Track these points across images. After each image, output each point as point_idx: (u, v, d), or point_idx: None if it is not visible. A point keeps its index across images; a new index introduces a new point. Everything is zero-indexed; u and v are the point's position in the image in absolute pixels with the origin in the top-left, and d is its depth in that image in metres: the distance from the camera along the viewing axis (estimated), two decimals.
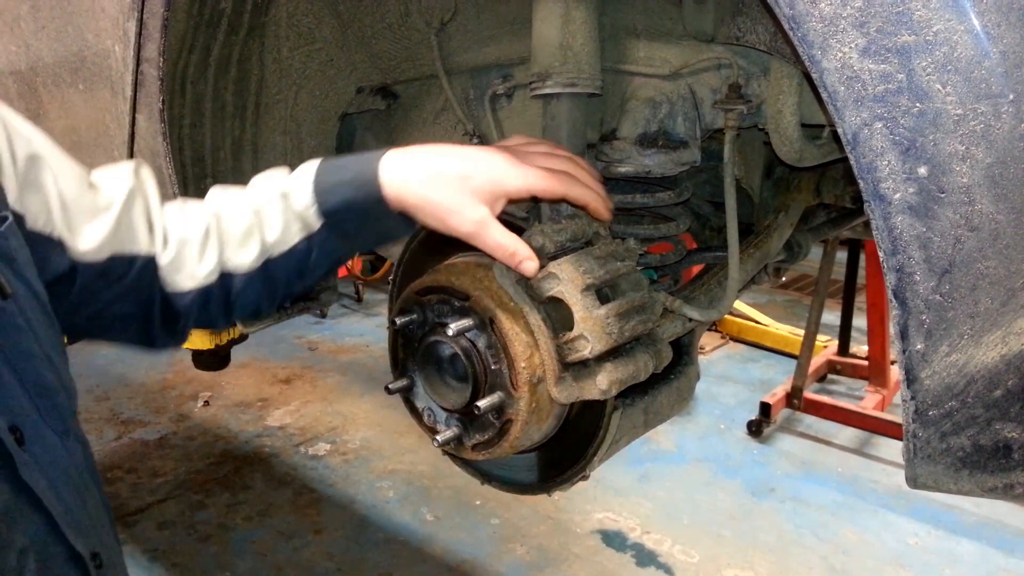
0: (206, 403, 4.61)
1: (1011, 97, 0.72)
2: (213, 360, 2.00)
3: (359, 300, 6.45)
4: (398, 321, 1.18)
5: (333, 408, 4.60)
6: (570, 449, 1.24)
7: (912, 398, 0.82)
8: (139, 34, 1.29)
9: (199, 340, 1.89)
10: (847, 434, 4.30)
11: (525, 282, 1.11)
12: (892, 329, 0.82)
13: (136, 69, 1.32)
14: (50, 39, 1.55)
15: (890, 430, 4.02)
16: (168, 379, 4.93)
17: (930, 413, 0.82)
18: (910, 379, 0.81)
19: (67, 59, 1.52)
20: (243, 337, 1.99)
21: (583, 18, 1.21)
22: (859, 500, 3.74)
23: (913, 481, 0.89)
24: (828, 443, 4.27)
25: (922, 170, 0.76)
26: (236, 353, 5.07)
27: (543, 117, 1.26)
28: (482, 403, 1.09)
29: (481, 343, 1.11)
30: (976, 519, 3.58)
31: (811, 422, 4.41)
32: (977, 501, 3.71)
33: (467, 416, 1.16)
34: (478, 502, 3.67)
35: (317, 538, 3.40)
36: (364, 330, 5.91)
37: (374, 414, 4.52)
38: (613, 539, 3.43)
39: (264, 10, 1.42)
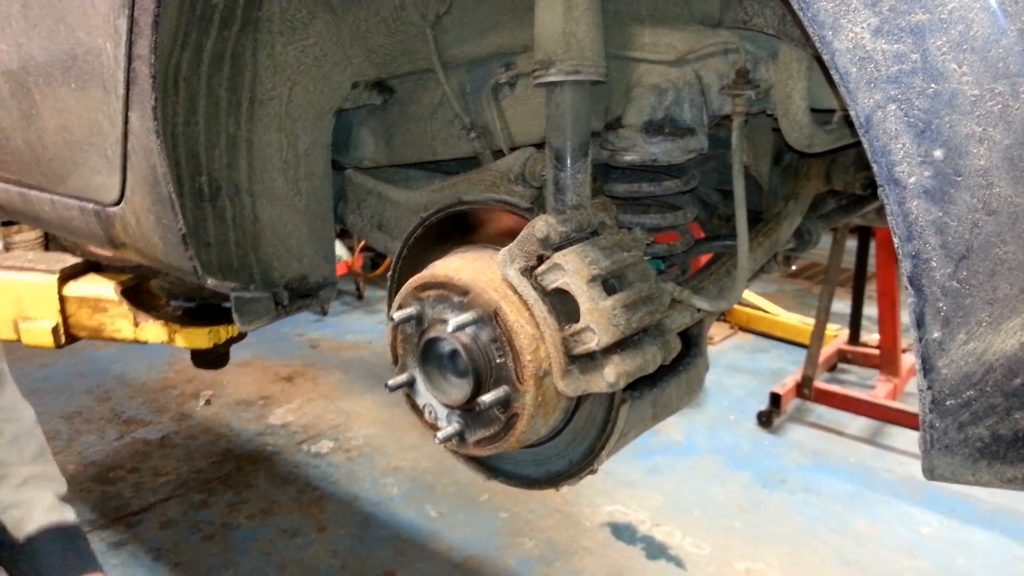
0: (208, 402, 4.59)
1: None
2: (212, 359, 2.00)
3: (360, 297, 6.43)
4: (396, 317, 1.16)
5: (335, 406, 4.59)
6: (579, 444, 1.23)
7: (929, 388, 0.81)
8: (130, 31, 1.26)
9: (198, 339, 1.87)
10: (859, 424, 4.27)
11: (530, 272, 1.09)
12: (908, 317, 0.82)
13: (128, 67, 1.30)
14: (41, 38, 1.54)
15: (902, 419, 4.00)
16: (169, 378, 4.92)
17: (947, 403, 0.81)
18: (927, 368, 0.80)
19: (59, 58, 1.50)
20: (242, 336, 1.98)
21: (586, 5, 1.18)
22: (871, 490, 3.72)
23: (930, 472, 0.87)
24: (840, 433, 4.25)
25: (938, 153, 0.75)
26: (237, 351, 5.05)
27: (547, 106, 1.24)
28: (486, 398, 1.08)
29: (484, 337, 1.10)
30: (990, 508, 3.56)
31: (822, 412, 4.38)
32: (991, 490, 3.68)
33: (469, 412, 1.14)
34: (484, 497, 3.66)
35: (321, 536, 3.39)
36: (365, 327, 5.89)
37: (377, 411, 4.51)
38: (623, 532, 3.41)
39: (257, 5, 1.40)
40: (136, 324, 1.84)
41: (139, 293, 1.92)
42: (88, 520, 3.45)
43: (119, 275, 1.96)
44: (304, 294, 1.64)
